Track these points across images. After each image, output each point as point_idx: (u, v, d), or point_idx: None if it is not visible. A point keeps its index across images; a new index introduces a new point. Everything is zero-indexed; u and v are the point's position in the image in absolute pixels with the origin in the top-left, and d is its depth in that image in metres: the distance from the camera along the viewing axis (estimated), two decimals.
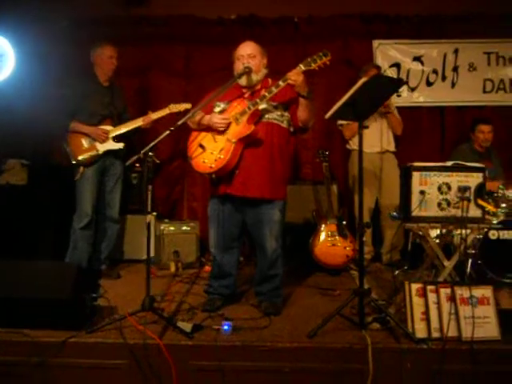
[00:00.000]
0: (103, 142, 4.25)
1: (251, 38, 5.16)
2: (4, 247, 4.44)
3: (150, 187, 3.17)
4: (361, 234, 3.14)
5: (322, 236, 4.65)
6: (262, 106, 3.36)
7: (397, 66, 5.45)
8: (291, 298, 3.88)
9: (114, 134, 4.29)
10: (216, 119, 3.34)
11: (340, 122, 4.95)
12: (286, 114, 3.46)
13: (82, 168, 4.22)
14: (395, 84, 3.30)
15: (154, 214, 5.05)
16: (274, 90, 3.26)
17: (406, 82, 5.28)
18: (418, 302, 2.99)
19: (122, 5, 5.27)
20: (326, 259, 4.60)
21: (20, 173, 4.93)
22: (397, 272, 4.35)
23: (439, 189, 3.25)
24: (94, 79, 4.38)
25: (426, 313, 2.94)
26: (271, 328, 3.14)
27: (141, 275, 4.45)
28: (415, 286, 3.02)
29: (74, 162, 4.23)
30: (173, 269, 4.70)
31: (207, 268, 4.60)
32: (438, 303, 2.94)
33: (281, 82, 3.25)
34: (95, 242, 4.54)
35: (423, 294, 2.99)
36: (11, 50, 5.26)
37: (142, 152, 3.15)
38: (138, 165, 5.12)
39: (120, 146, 4.31)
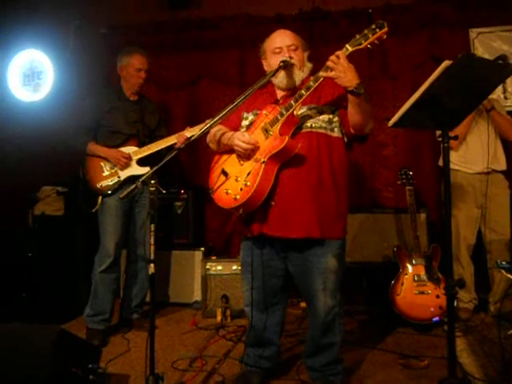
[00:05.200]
0: (124, 167, 3.51)
1: (316, 35, 4.44)
2: (33, 291, 3.87)
3: (152, 227, 2.38)
4: (450, 297, 2.11)
5: (406, 281, 3.61)
6: (301, 111, 2.45)
7: (503, 59, 4.26)
8: (359, 370, 2.92)
9: (138, 157, 3.54)
10: (237, 141, 2.45)
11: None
12: (336, 118, 2.50)
13: (100, 198, 3.50)
14: (500, 69, 2.17)
15: (202, 249, 4.32)
16: (313, 84, 2.33)
17: None
18: None
19: (166, 8, 4.62)
20: (412, 311, 3.55)
21: (56, 202, 4.34)
22: (510, 332, 3.23)
23: None
24: (119, 93, 3.68)
25: None
26: None
27: (183, 325, 3.86)
28: None
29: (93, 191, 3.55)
30: (219, 318, 3.87)
31: None
32: None
33: (321, 73, 2.30)
34: (126, 286, 3.83)
35: None
36: (50, 65, 4.81)
37: (139, 180, 2.39)
38: (182, 191, 4.37)
39: (145, 170, 3.51)
